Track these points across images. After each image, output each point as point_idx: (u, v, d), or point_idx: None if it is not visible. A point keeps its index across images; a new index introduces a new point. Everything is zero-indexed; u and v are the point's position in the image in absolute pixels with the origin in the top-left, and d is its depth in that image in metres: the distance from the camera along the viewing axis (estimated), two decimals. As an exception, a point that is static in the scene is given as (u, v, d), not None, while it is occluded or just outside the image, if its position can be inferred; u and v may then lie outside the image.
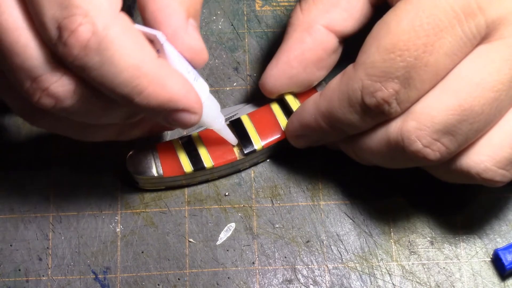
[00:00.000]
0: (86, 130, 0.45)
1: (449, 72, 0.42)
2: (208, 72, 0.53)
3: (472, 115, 0.41)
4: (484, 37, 0.42)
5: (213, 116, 0.46)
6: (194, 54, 0.43)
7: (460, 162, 0.43)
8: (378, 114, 0.43)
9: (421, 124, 0.42)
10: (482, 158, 0.43)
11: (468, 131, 0.42)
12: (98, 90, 0.40)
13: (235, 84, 0.53)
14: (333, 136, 0.46)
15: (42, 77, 0.39)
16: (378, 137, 0.44)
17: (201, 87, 0.44)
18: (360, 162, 0.47)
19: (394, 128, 0.43)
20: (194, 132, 0.50)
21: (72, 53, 0.38)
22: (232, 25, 0.55)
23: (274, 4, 0.55)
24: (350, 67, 0.43)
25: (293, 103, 0.49)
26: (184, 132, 0.51)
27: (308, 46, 0.47)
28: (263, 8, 0.55)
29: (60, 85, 0.40)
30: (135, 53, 0.39)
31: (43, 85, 0.39)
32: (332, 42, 0.47)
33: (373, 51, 0.42)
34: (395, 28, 0.41)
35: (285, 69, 0.48)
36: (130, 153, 0.49)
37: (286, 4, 0.55)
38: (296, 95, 0.50)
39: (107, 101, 0.41)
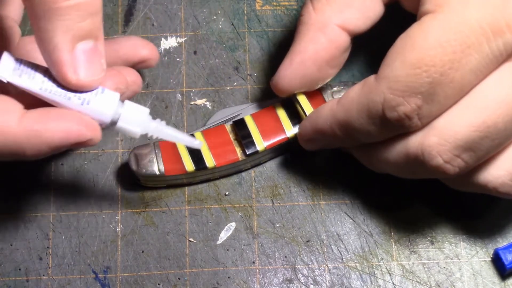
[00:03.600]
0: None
1: (473, 88, 0.42)
2: (208, 72, 0.53)
3: (495, 132, 0.41)
4: (510, 55, 0.41)
5: (136, 121, 0.42)
6: (81, 86, 0.41)
7: (477, 176, 0.43)
8: (398, 127, 0.42)
9: (442, 139, 0.41)
10: (500, 173, 0.43)
11: (489, 147, 0.41)
12: None
13: (235, 83, 0.53)
14: (347, 143, 0.46)
15: None
16: (396, 149, 0.44)
17: (101, 103, 0.41)
18: (372, 169, 0.47)
19: (414, 142, 0.42)
20: (195, 131, 0.50)
21: None
22: (232, 24, 0.55)
23: (275, 3, 0.55)
24: (371, 79, 0.43)
25: (305, 103, 0.49)
26: (185, 132, 0.51)
27: (323, 45, 0.47)
28: (263, 8, 0.55)
29: None
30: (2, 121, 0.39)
31: None
32: (345, 40, 0.47)
33: (398, 66, 0.41)
34: (421, 44, 0.41)
35: (299, 69, 0.47)
36: (133, 150, 0.49)
37: (286, 3, 0.55)
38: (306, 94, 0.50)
39: None
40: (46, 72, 0.41)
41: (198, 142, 0.44)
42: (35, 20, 0.39)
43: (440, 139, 0.41)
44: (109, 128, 0.42)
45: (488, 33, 0.40)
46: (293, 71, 0.47)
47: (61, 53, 0.39)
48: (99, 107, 0.41)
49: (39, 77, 0.41)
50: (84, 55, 0.40)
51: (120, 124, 0.42)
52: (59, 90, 0.41)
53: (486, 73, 0.41)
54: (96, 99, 0.41)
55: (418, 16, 0.42)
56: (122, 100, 0.43)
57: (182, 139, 0.44)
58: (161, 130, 0.43)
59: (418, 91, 0.41)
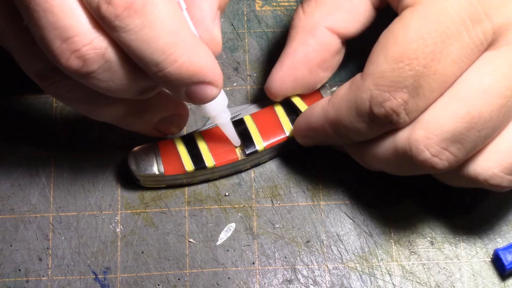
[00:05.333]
0: (94, 104, 0.44)
1: (457, 80, 0.42)
2: (208, 72, 0.53)
3: (481, 123, 0.41)
4: (490, 43, 0.41)
5: (219, 109, 0.46)
6: (212, 44, 0.43)
7: (467, 169, 0.43)
8: (386, 123, 0.42)
9: (429, 133, 0.41)
10: (489, 165, 0.43)
11: (477, 138, 0.41)
12: (127, 56, 0.40)
13: (235, 84, 0.53)
14: (339, 141, 0.46)
15: (75, 38, 0.39)
16: (386, 145, 0.44)
17: None
18: (366, 167, 0.47)
19: (402, 137, 0.43)
20: (195, 131, 0.50)
21: (116, 13, 0.38)
22: (232, 25, 0.55)
23: (274, 4, 0.55)
24: (358, 77, 0.43)
25: (301, 104, 0.49)
26: (184, 132, 0.51)
27: (312, 48, 0.47)
28: (263, 8, 0.55)
29: (91, 48, 0.39)
30: (174, 20, 0.39)
31: (74, 46, 0.39)
32: (335, 43, 0.47)
33: (381, 61, 0.41)
34: (402, 37, 0.41)
35: (290, 72, 0.48)
36: (132, 150, 0.49)
37: (286, 4, 0.55)
38: (302, 97, 0.50)
39: (132, 69, 0.40)
40: None
41: (239, 143, 0.49)
42: None
43: (427, 132, 0.41)
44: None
45: (467, 23, 0.41)
46: (284, 74, 0.48)
47: (209, 15, 0.43)
48: None
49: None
50: (219, 23, 0.43)
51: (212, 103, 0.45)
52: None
53: (468, 63, 0.42)
54: None
55: (399, 11, 0.43)
56: None
57: (232, 138, 0.48)
58: (225, 122, 0.47)
59: (403, 85, 0.41)
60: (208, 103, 0.44)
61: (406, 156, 0.42)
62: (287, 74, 0.48)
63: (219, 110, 0.46)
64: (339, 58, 0.49)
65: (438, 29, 0.41)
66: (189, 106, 0.52)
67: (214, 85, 0.42)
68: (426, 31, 0.41)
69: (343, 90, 0.44)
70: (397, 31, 0.42)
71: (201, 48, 0.41)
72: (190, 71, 0.40)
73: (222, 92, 0.46)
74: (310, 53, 0.47)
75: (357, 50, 0.48)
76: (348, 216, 0.50)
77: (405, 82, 0.41)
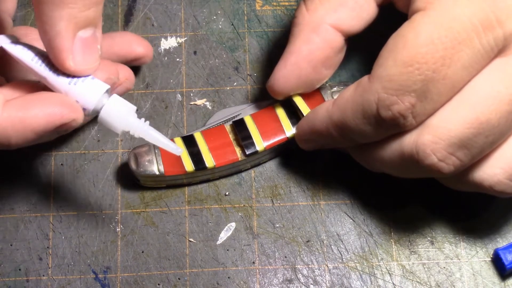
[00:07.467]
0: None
1: (466, 85, 0.42)
2: (208, 72, 0.53)
3: (488, 128, 0.41)
4: (501, 50, 0.41)
5: (119, 116, 0.42)
6: (77, 73, 0.41)
7: (473, 174, 0.43)
8: (393, 126, 0.42)
9: (436, 137, 0.41)
10: (495, 171, 0.43)
11: (483, 144, 0.41)
12: None
13: (235, 83, 0.53)
14: (343, 143, 0.46)
15: None
16: (391, 148, 0.44)
17: (88, 88, 0.42)
18: (369, 169, 0.47)
19: (408, 141, 0.43)
20: (195, 131, 0.50)
21: None
22: (232, 24, 0.55)
23: (275, 4, 0.55)
24: (365, 79, 0.43)
25: (302, 104, 0.49)
26: (184, 132, 0.51)
27: (316, 46, 0.47)
28: (263, 8, 0.55)
29: None
30: None
31: None
32: (339, 41, 0.47)
33: (390, 64, 0.41)
34: (413, 41, 0.41)
35: (294, 70, 0.47)
36: (132, 150, 0.49)
37: (286, 4, 0.55)
38: (302, 96, 0.50)
39: None
40: (39, 52, 0.42)
41: (179, 150, 0.43)
42: (39, 5, 0.40)
43: (434, 137, 0.41)
44: (91, 116, 0.43)
45: (479, 29, 0.40)
46: (288, 72, 0.48)
47: (62, 40, 0.40)
48: (84, 91, 0.41)
49: (32, 52, 0.42)
50: (83, 42, 0.41)
51: (103, 115, 0.42)
52: (51, 66, 0.42)
53: (478, 69, 0.41)
54: (83, 84, 0.42)
55: (409, 14, 0.43)
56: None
57: (163, 143, 0.43)
58: (144, 130, 0.42)
59: (411, 89, 0.41)
60: (103, 117, 0.42)
61: (412, 160, 0.42)
62: (291, 72, 0.48)
63: (121, 122, 0.42)
64: (341, 56, 0.48)
65: (449, 35, 0.40)
66: (189, 105, 0.52)
67: (68, 123, 0.41)
68: (437, 35, 0.40)
69: (349, 92, 0.44)
70: (407, 34, 0.41)
71: (32, 107, 0.40)
72: (37, 133, 0.41)
73: (116, 99, 0.42)
74: (314, 50, 0.47)
75: (357, 49, 0.48)
76: (348, 215, 0.50)
77: (413, 86, 0.41)
